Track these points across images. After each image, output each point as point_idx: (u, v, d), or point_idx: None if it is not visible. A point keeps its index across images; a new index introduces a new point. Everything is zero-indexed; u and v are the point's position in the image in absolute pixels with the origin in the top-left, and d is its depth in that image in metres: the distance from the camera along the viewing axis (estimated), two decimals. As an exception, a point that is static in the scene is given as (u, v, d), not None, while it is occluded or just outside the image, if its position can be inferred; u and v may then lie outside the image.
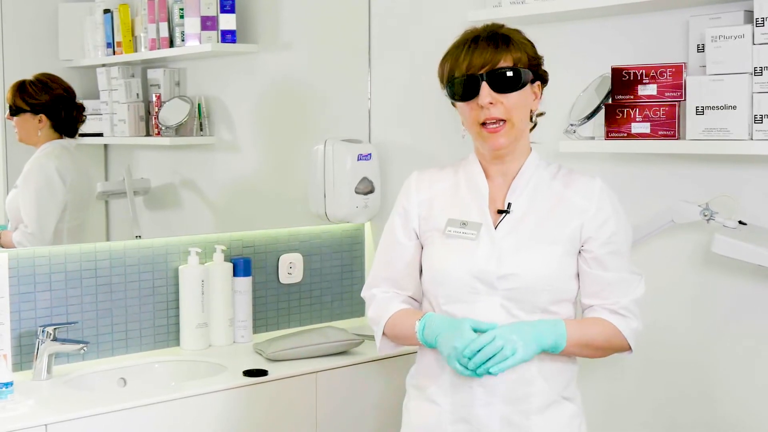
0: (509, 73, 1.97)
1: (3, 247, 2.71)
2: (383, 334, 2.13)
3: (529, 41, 2.05)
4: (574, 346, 1.99)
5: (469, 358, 1.90)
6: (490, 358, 1.89)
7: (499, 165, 2.06)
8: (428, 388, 2.08)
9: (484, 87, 1.96)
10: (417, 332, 2.03)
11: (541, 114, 2.11)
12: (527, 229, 2.02)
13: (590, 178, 2.07)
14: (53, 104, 2.82)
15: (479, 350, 1.89)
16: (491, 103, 1.97)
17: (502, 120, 1.98)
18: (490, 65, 1.97)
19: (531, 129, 2.10)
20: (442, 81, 2.06)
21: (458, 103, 2.03)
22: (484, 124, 1.99)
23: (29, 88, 2.79)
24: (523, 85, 1.99)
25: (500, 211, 2.04)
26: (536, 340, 1.94)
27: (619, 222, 2.05)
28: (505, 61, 1.98)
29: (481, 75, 1.97)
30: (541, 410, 2.01)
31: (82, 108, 2.90)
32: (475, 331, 1.94)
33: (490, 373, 1.91)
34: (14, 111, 2.77)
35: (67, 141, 2.87)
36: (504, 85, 1.97)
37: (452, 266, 2.02)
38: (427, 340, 2.02)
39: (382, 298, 2.15)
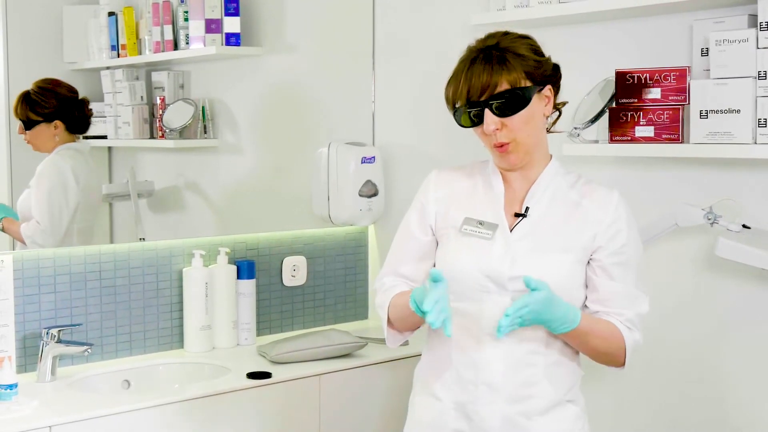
0: (509, 97, 1.96)
1: (10, 236, 2.72)
2: (389, 319, 2.12)
3: (529, 50, 2.01)
4: (580, 333, 1.97)
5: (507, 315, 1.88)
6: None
7: (519, 171, 2.08)
8: (433, 384, 2.09)
9: (488, 115, 1.96)
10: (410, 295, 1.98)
11: (564, 104, 2.11)
12: (542, 235, 2.02)
13: (608, 189, 2.07)
14: (64, 107, 2.83)
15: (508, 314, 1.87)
16: (497, 129, 1.97)
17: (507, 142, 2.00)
18: (489, 90, 1.95)
19: (555, 122, 2.12)
20: (447, 104, 2.05)
21: None
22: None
23: (37, 98, 2.78)
24: (527, 103, 1.98)
25: (517, 215, 2.05)
26: (559, 319, 1.93)
27: (631, 235, 2.05)
28: (505, 82, 1.96)
29: (483, 102, 1.96)
30: (543, 412, 2.02)
31: (87, 102, 2.91)
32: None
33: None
34: (29, 125, 2.77)
35: (80, 144, 2.88)
36: (506, 108, 1.96)
37: (465, 263, 2.03)
38: (414, 296, 1.95)
39: (390, 285, 2.16)
